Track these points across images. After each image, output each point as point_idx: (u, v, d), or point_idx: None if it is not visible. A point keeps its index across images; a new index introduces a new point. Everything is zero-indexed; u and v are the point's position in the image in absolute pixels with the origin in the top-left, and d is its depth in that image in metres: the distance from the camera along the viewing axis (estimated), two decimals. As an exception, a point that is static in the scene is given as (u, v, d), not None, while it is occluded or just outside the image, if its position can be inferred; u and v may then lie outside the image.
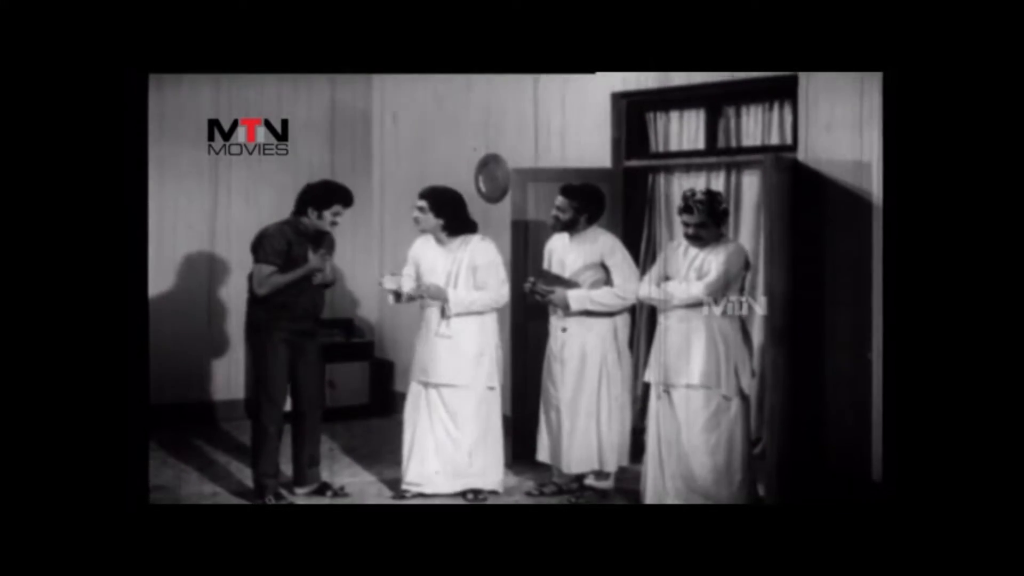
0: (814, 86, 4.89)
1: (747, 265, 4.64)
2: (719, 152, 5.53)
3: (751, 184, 5.45)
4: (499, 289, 4.96)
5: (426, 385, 4.97)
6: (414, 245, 5.08)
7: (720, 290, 4.51)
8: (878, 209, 4.59)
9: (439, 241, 4.99)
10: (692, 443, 4.53)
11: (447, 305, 4.89)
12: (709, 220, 4.57)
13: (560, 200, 4.97)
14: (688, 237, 4.64)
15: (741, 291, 4.60)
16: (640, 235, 5.80)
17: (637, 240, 5.76)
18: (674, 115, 5.76)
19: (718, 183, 5.50)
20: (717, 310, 4.50)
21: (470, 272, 4.92)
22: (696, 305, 4.52)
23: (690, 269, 4.60)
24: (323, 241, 5.03)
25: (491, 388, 5.00)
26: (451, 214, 4.94)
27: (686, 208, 4.62)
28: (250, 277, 4.96)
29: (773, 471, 4.63)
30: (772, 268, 4.62)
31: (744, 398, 4.58)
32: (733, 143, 5.51)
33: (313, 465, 5.12)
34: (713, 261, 4.55)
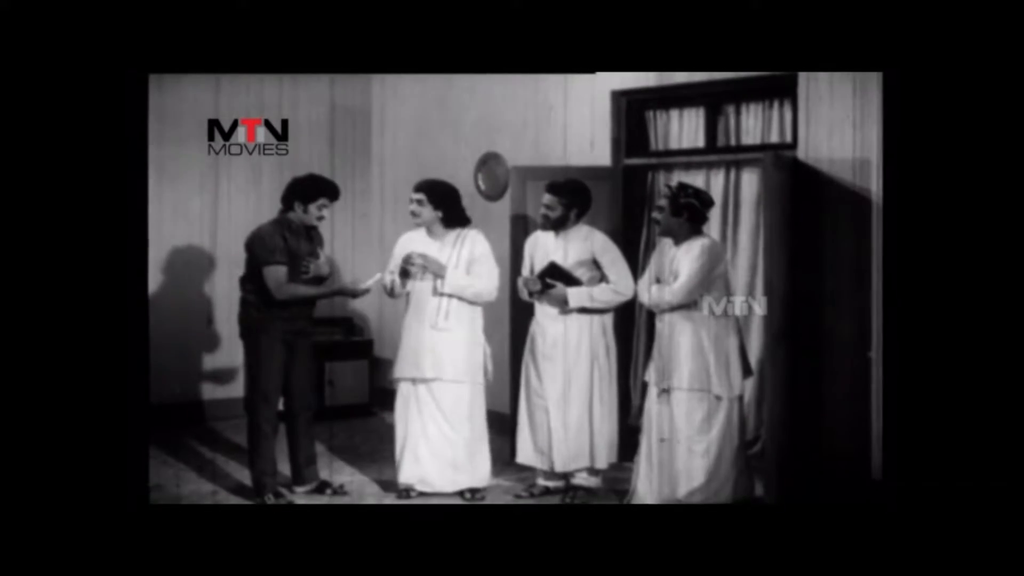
0: (814, 84, 4.90)
1: (721, 259, 4.59)
2: (719, 150, 5.53)
3: (751, 182, 5.45)
4: (492, 280, 4.96)
5: (415, 382, 4.94)
6: (400, 242, 5.07)
7: (695, 290, 4.48)
8: (878, 207, 4.59)
9: (432, 234, 4.98)
10: (685, 444, 4.53)
11: (440, 281, 4.87)
12: (669, 209, 4.56)
13: (548, 198, 4.93)
14: (654, 222, 4.65)
15: (729, 292, 4.58)
16: (639, 234, 5.80)
17: (637, 240, 5.76)
18: (674, 113, 5.76)
19: (718, 181, 5.50)
20: (718, 310, 4.49)
21: (468, 264, 4.93)
22: (692, 306, 4.51)
23: (669, 272, 4.59)
24: (315, 237, 5.02)
25: (480, 382, 5.00)
26: (449, 206, 4.95)
27: (661, 196, 4.67)
28: (247, 279, 4.95)
29: (773, 470, 4.63)
30: (772, 266, 4.62)
31: (736, 398, 4.56)
32: (733, 141, 5.51)
33: (310, 464, 5.13)
34: (684, 260, 4.54)
